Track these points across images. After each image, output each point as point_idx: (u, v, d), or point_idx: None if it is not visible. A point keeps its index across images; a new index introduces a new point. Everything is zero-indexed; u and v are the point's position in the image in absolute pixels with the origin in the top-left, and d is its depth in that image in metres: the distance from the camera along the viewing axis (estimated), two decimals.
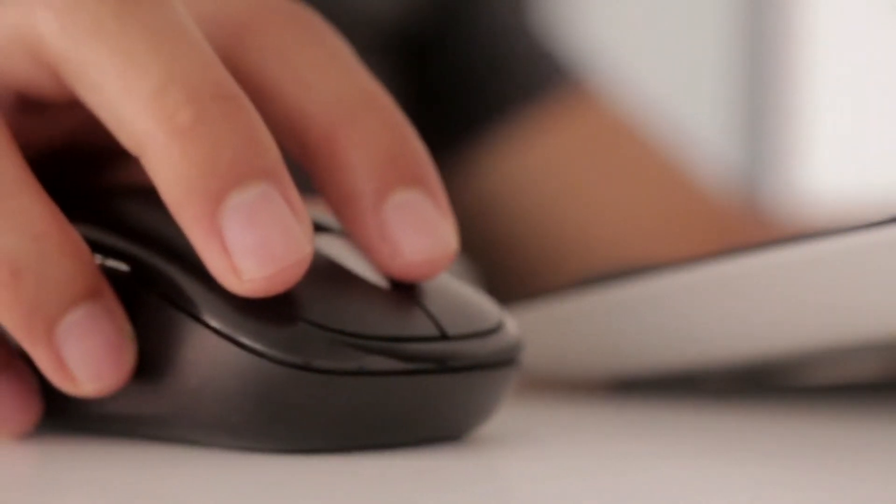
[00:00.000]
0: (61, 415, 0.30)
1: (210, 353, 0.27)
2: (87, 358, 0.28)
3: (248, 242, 0.26)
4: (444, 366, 0.28)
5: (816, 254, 0.32)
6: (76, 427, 0.30)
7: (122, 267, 0.29)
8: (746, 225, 0.67)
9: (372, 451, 0.28)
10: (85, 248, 0.28)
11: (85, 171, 0.33)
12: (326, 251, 0.29)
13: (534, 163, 0.66)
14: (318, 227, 0.29)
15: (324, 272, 0.28)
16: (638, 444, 0.31)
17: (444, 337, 0.28)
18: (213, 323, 0.27)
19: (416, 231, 0.29)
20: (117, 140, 0.28)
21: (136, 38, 0.27)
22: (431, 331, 0.28)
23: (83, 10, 0.27)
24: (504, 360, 0.29)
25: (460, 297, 0.29)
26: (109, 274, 0.29)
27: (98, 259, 0.29)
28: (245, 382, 0.27)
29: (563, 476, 0.26)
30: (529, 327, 0.35)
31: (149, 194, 0.28)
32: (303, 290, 0.27)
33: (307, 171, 0.29)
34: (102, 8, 0.27)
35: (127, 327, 0.28)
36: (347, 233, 0.29)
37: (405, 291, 0.29)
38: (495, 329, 0.29)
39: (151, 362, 0.28)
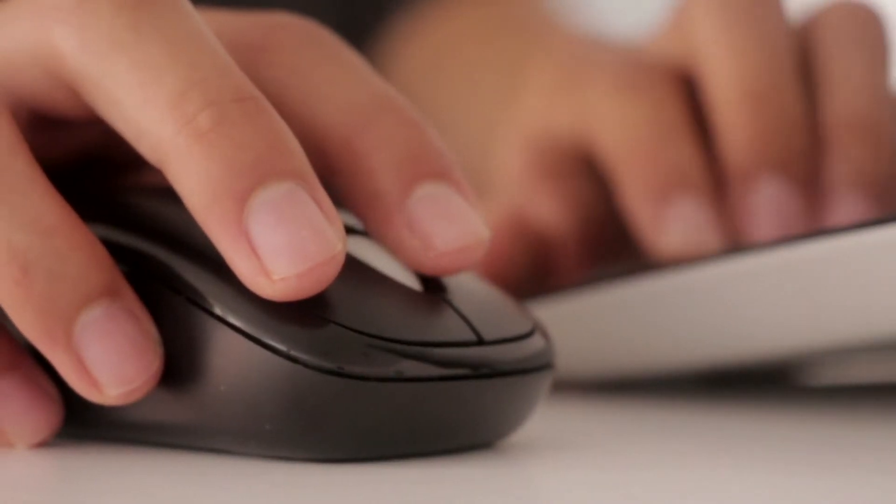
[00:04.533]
0: (82, 423, 0.29)
1: (240, 358, 0.27)
2: (110, 359, 0.27)
3: (277, 240, 0.26)
4: (482, 371, 0.27)
5: (816, 254, 0.32)
6: (97, 436, 0.30)
7: (141, 267, 0.28)
8: None
9: (403, 460, 0.27)
10: (99, 245, 0.27)
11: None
12: (356, 254, 0.28)
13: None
14: (347, 230, 0.28)
15: (355, 275, 0.27)
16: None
17: (480, 342, 0.27)
18: (244, 326, 0.26)
19: (446, 221, 0.28)
20: (138, 153, 0.27)
21: (154, 49, 0.27)
22: (468, 336, 0.27)
23: (100, 24, 0.27)
24: (539, 366, 0.28)
25: (491, 300, 0.29)
26: (131, 277, 0.28)
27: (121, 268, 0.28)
28: (279, 388, 0.26)
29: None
30: None
31: (169, 194, 0.28)
32: (334, 292, 0.27)
33: (330, 182, 0.29)
34: (119, 21, 0.27)
35: (151, 329, 0.27)
36: (375, 234, 0.29)
37: (437, 294, 0.28)
38: (529, 333, 0.28)
39: (178, 367, 0.27)
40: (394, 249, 0.28)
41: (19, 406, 0.28)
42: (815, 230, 0.36)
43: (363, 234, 0.29)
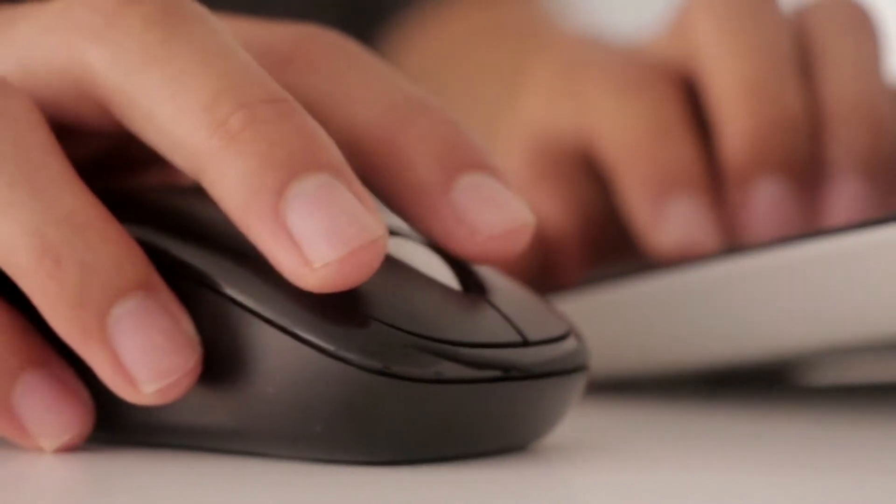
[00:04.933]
0: (120, 428, 0.29)
1: (289, 359, 0.26)
2: (144, 352, 0.26)
3: (316, 227, 0.25)
4: (527, 372, 0.27)
5: (816, 254, 0.32)
6: (136, 442, 0.29)
7: (180, 270, 0.28)
8: None
9: (440, 462, 0.27)
10: (133, 241, 0.27)
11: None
12: (398, 255, 0.28)
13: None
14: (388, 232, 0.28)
15: (398, 276, 0.27)
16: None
17: (525, 343, 0.27)
18: (290, 326, 0.26)
19: (491, 206, 0.28)
20: (174, 164, 0.27)
21: (185, 61, 0.27)
22: (513, 336, 0.27)
23: (132, 41, 0.27)
24: (579, 366, 0.28)
25: (528, 301, 0.29)
26: (171, 280, 0.27)
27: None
28: (330, 389, 0.26)
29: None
30: None
31: (203, 195, 0.28)
32: (379, 292, 0.27)
33: (371, 181, 0.29)
34: (150, 37, 0.27)
35: (188, 326, 0.27)
36: (421, 226, 0.29)
37: (479, 295, 0.28)
38: (567, 334, 0.28)
39: (222, 370, 0.27)
40: (440, 239, 0.29)
41: (44, 402, 0.28)
42: (815, 230, 0.36)
43: (404, 235, 0.29)
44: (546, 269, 0.43)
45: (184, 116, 0.27)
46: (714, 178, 0.41)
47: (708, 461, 0.29)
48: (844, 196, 0.41)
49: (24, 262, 0.26)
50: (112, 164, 0.32)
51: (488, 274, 0.29)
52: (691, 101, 0.43)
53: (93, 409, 0.28)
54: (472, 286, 0.28)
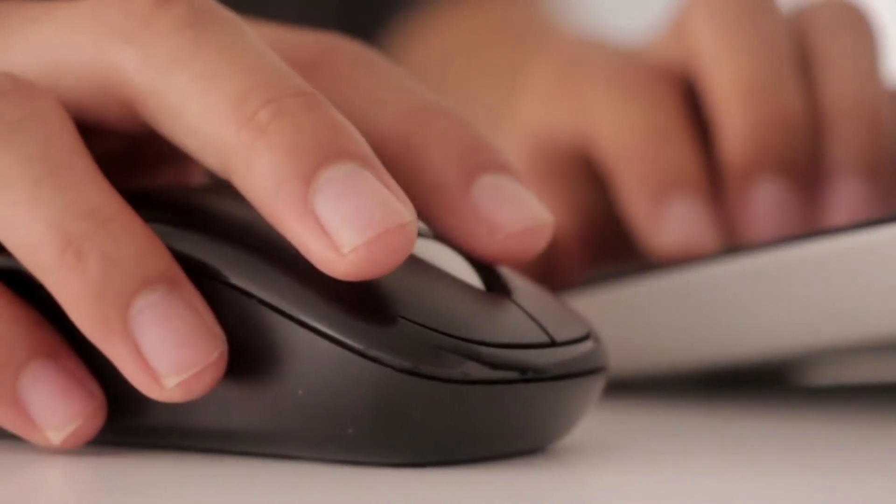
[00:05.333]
0: (140, 430, 0.28)
1: (321, 360, 0.26)
2: (167, 344, 0.26)
3: (344, 212, 0.25)
4: (557, 373, 0.27)
5: (816, 254, 0.32)
6: (156, 445, 0.29)
7: (206, 271, 0.27)
8: None
9: (457, 464, 0.27)
10: (155, 236, 0.27)
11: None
12: (424, 256, 0.28)
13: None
14: None
15: (426, 276, 0.27)
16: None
17: (553, 343, 0.27)
18: (320, 326, 0.26)
19: (510, 205, 0.29)
20: (204, 165, 0.27)
21: (215, 61, 0.27)
22: (541, 337, 0.27)
23: (163, 42, 0.27)
24: (602, 366, 0.28)
25: (550, 301, 0.29)
26: (197, 281, 0.27)
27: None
28: (364, 390, 0.26)
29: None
30: None
31: (227, 194, 0.28)
32: (407, 292, 0.26)
33: None
34: (181, 38, 0.27)
35: (212, 320, 0.27)
36: (440, 225, 0.29)
37: (504, 295, 0.28)
38: (589, 334, 0.28)
39: (251, 371, 0.27)
40: (460, 239, 0.29)
41: (51, 391, 0.28)
42: (815, 230, 0.36)
43: (428, 237, 0.29)
44: (546, 270, 0.43)
45: (213, 113, 0.27)
46: (713, 179, 0.41)
47: (724, 462, 0.29)
48: (844, 196, 0.41)
49: (47, 258, 0.26)
50: (125, 165, 0.32)
51: (508, 274, 0.29)
52: (691, 101, 0.43)
53: (102, 401, 0.28)
54: (496, 286, 0.28)
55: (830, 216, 0.40)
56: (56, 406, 0.28)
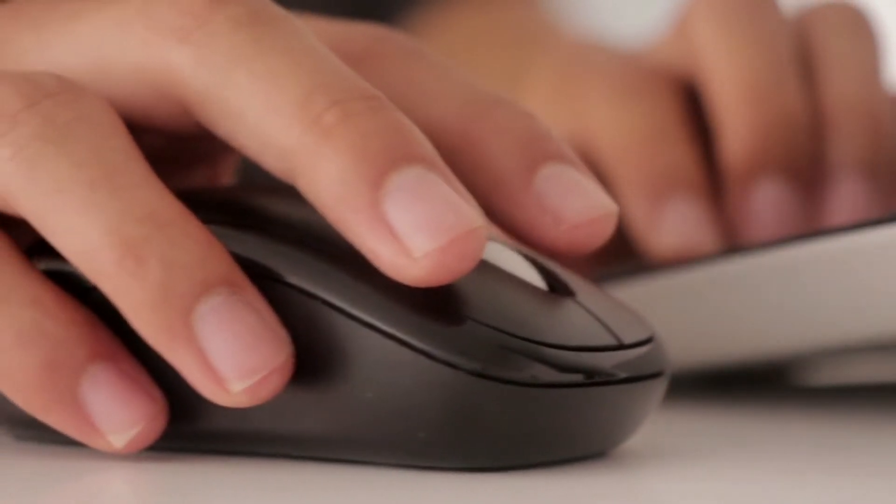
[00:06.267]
0: (204, 436, 0.28)
1: (390, 362, 0.26)
2: (232, 349, 0.26)
3: (415, 217, 0.25)
4: (624, 376, 0.27)
5: (816, 254, 0.32)
6: (220, 450, 0.28)
7: (269, 274, 0.27)
8: None
9: (522, 469, 0.27)
10: (215, 239, 0.26)
11: None
12: (486, 256, 0.27)
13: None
14: None
15: (492, 278, 0.27)
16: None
17: (620, 346, 0.27)
18: (389, 328, 0.26)
19: (574, 195, 0.28)
20: (262, 165, 0.27)
21: (276, 60, 0.27)
22: (608, 339, 0.27)
23: (220, 42, 0.27)
24: (666, 368, 0.28)
25: (613, 302, 0.29)
26: (260, 283, 0.27)
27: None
28: (437, 394, 0.25)
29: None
30: None
31: (286, 196, 0.27)
32: (476, 294, 0.26)
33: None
34: (238, 38, 0.27)
35: (276, 323, 0.26)
36: (503, 217, 0.29)
37: (568, 296, 0.28)
38: (653, 336, 0.28)
39: (317, 375, 0.26)
40: (523, 230, 0.28)
41: (112, 395, 0.27)
42: (815, 230, 0.36)
43: (491, 239, 0.28)
44: None
45: (276, 114, 0.26)
46: (713, 180, 0.41)
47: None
48: (844, 196, 0.41)
49: (106, 263, 0.26)
50: (157, 166, 0.31)
51: (568, 275, 0.29)
52: (692, 102, 0.43)
53: (164, 405, 0.27)
54: (559, 287, 0.28)
55: (831, 216, 0.41)
56: (117, 410, 0.27)
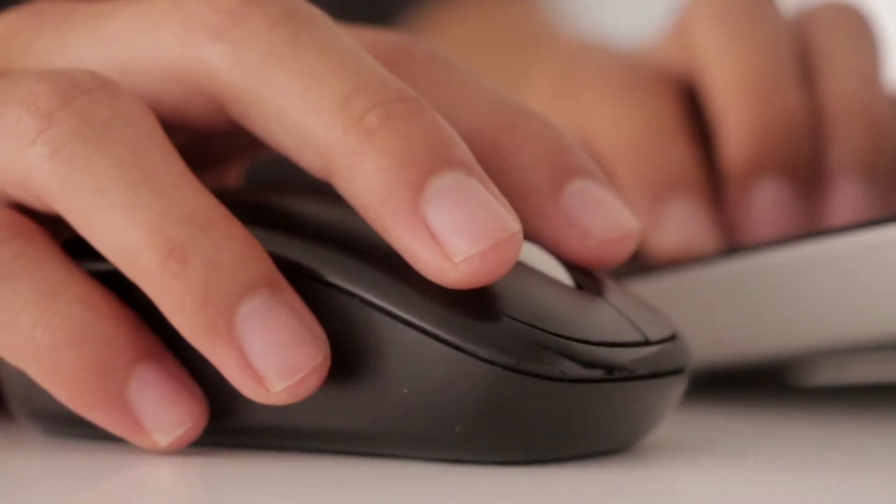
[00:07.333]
0: (239, 431, 0.28)
1: (427, 358, 0.26)
2: (273, 350, 0.26)
3: (456, 221, 0.25)
4: (650, 371, 0.27)
5: (816, 254, 0.32)
6: (256, 445, 0.28)
7: (305, 272, 0.27)
8: None
9: (553, 462, 0.27)
10: (255, 240, 0.27)
11: None
12: (520, 257, 0.27)
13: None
14: None
15: (523, 276, 0.27)
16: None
17: (647, 342, 0.27)
18: (426, 325, 0.26)
19: (601, 212, 0.29)
20: (299, 163, 0.27)
21: (315, 59, 0.27)
22: (636, 336, 0.27)
23: (258, 39, 0.27)
24: (688, 364, 0.28)
25: (638, 300, 0.29)
26: (296, 282, 0.27)
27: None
28: (473, 389, 0.26)
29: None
30: None
31: (319, 194, 0.27)
32: (508, 291, 0.26)
33: None
34: (276, 36, 0.27)
35: (314, 324, 0.26)
36: (530, 227, 0.29)
37: (597, 294, 0.28)
38: (676, 333, 0.29)
39: (353, 371, 0.27)
40: (550, 242, 0.29)
41: (159, 395, 0.27)
42: (815, 230, 0.36)
43: None
44: None
45: (317, 113, 0.26)
46: (713, 180, 0.42)
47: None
48: (844, 197, 0.41)
49: (149, 264, 0.26)
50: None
51: (595, 273, 0.29)
52: (692, 103, 0.43)
53: (206, 404, 0.28)
54: (587, 285, 0.28)
55: (831, 217, 0.41)
56: (165, 410, 0.27)
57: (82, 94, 0.27)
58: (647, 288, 0.36)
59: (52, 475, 0.27)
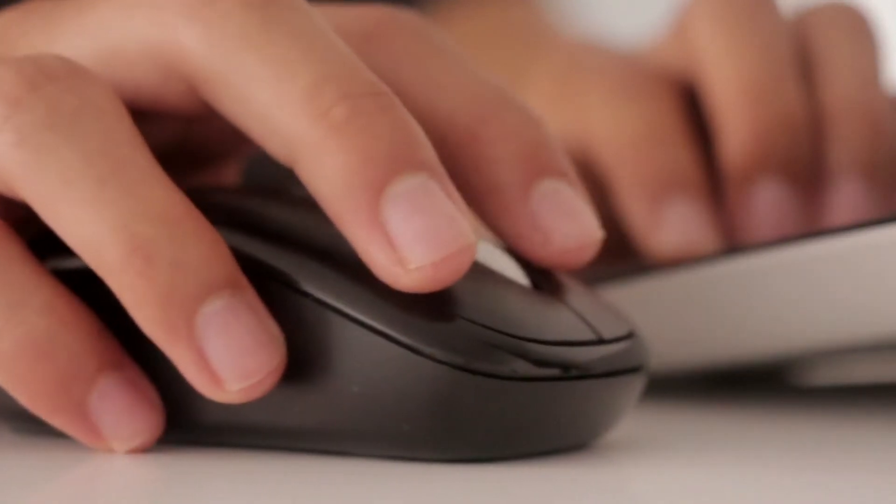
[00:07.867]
0: (194, 427, 0.28)
1: (375, 357, 0.26)
2: (232, 352, 0.26)
3: (414, 229, 0.25)
4: (604, 370, 0.27)
5: (816, 254, 0.32)
6: (210, 441, 0.29)
7: (262, 270, 0.27)
8: None
9: (504, 461, 0.27)
10: (220, 239, 0.27)
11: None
12: (476, 257, 0.27)
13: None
14: None
15: (478, 275, 0.27)
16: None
17: (601, 341, 0.28)
18: (377, 324, 0.26)
19: (567, 218, 0.29)
20: (265, 149, 0.27)
21: (285, 46, 0.27)
22: (589, 335, 0.27)
23: (230, 22, 0.27)
24: (645, 363, 0.28)
25: (594, 299, 0.29)
26: (253, 279, 0.27)
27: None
28: (421, 387, 0.26)
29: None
30: None
31: (279, 194, 0.27)
32: (461, 291, 0.26)
33: (447, 167, 0.28)
34: (248, 19, 0.27)
35: (272, 325, 0.27)
36: (494, 224, 0.29)
37: (551, 294, 0.28)
38: (633, 332, 0.29)
39: (305, 369, 0.27)
40: (512, 240, 0.29)
41: (120, 407, 0.28)
42: (815, 230, 0.36)
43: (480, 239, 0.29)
44: None
45: (284, 103, 0.26)
46: (713, 181, 0.42)
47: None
48: (844, 197, 0.41)
49: (114, 259, 0.26)
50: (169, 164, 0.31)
51: (553, 273, 0.29)
52: (692, 103, 0.43)
53: (163, 412, 0.28)
54: (544, 285, 0.28)
55: (831, 217, 0.41)
56: (124, 421, 0.28)
57: (50, 80, 0.27)
58: (647, 288, 0.36)
59: (9, 473, 0.27)
